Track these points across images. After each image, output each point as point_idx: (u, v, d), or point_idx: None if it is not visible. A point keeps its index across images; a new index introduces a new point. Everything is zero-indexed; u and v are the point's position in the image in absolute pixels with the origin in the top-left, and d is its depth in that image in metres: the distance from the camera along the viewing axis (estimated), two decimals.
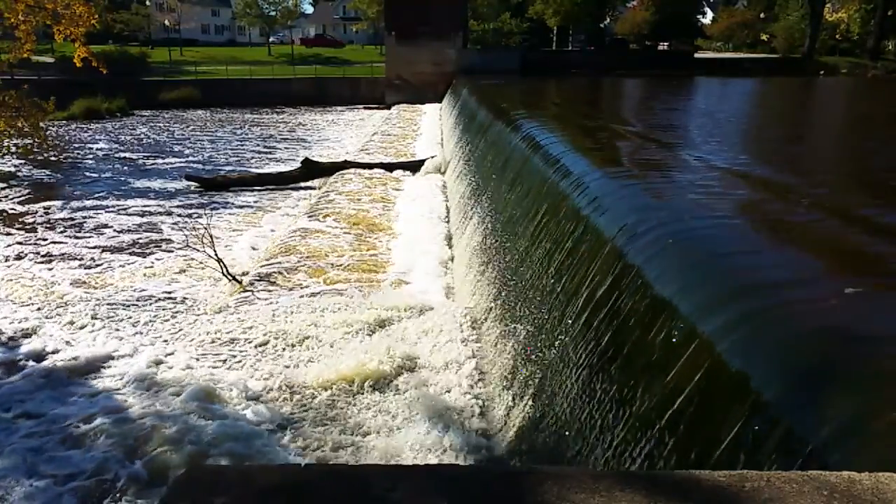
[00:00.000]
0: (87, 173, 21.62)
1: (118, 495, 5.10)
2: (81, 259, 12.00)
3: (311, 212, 13.83)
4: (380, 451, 5.38)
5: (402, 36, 42.79)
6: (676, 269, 3.80)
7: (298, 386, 6.54)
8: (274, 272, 9.99)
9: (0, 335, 8.08)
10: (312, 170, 18.57)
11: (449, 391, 6.21)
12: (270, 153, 26.13)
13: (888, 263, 3.72)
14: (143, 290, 9.95)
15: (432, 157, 18.76)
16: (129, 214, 15.47)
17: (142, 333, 8.09)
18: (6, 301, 9.46)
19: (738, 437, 2.47)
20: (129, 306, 9.07)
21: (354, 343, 7.33)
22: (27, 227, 14.39)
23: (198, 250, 10.05)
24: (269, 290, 9.30)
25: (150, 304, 9.19)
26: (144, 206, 16.35)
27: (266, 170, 21.35)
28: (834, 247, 4.03)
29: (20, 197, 17.47)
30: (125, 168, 22.40)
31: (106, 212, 15.70)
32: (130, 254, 12.38)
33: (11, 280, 10.69)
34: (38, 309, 8.98)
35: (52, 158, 23.34)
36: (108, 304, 9.16)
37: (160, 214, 15.44)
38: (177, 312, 8.76)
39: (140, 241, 13.34)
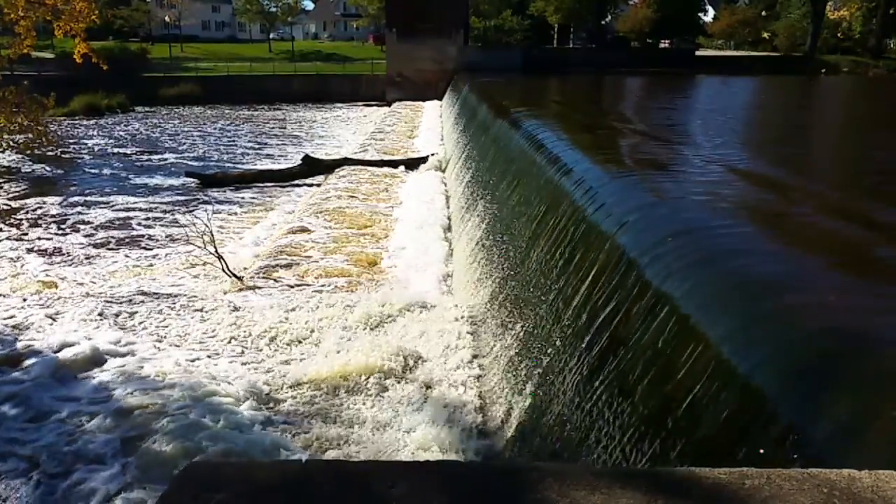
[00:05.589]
0: (86, 169, 21.59)
1: (116, 491, 5.10)
2: (80, 255, 11.99)
3: (311, 209, 13.82)
4: (376, 445, 5.39)
5: (403, 33, 42.69)
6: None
7: (298, 382, 6.54)
8: (274, 269, 10.00)
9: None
10: (313, 167, 18.56)
11: (448, 388, 6.22)
12: (269, 150, 26.09)
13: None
14: (142, 286, 9.94)
15: (433, 154, 18.73)
16: (128, 210, 15.44)
17: (141, 330, 8.07)
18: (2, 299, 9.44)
19: None
20: (127, 302, 9.04)
21: (354, 339, 7.33)
22: (25, 222, 14.36)
23: (198, 247, 10.04)
24: (269, 287, 9.31)
25: (150, 300, 9.16)
26: (144, 202, 16.32)
27: (266, 166, 21.32)
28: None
29: (18, 192, 17.45)
30: (124, 164, 22.36)
31: (104, 208, 15.67)
32: (129, 250, 12.37)
33: (6, 274, 10.69)
34: (36, 305, 8.96)
35: (51, 154, 23.30)
36: (105, 300, 9.13)
37: (160, 211, 15.41)
38: (176, 308, 8.74)
39: (139, 237, 13.32)
